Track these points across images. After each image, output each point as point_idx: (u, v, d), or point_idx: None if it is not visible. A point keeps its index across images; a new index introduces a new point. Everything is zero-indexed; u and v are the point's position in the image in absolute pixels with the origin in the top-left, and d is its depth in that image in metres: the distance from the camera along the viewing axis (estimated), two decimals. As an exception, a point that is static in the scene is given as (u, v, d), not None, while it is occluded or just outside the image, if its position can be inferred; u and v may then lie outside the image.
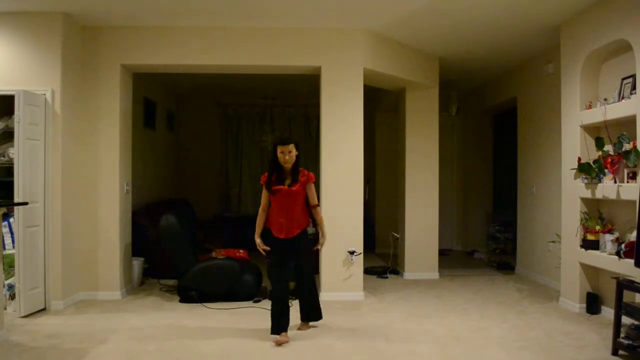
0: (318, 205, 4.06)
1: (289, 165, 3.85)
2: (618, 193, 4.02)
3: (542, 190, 5.93)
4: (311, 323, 4.14)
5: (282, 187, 3.83)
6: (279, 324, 3.79)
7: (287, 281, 4.09)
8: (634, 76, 3.98)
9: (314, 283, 4.14)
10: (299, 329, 4.05)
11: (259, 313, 4.58)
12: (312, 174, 3.95)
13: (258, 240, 3.94)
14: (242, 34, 5.09)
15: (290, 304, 4.83)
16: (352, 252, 5.15)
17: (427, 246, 6.22)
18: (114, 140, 5.06)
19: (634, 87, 3.98)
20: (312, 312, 4.11)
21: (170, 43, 5.06)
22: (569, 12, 4.57)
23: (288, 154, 3.80)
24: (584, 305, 4.53)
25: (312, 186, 3.95)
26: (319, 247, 4.13)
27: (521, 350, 3.59)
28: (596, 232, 4.33)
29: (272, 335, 3.78)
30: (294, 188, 3.83)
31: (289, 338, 3.76)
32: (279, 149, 3.80)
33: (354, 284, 5.18)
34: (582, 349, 3.60)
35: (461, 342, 3.78)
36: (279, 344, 3.67)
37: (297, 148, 3.87)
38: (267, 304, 4.87)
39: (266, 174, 3.93)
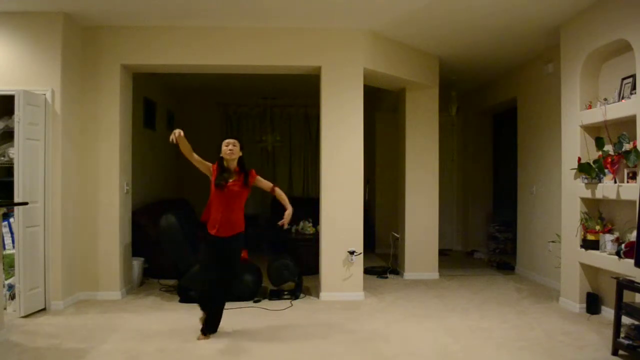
0: (274, 185, 4.05)
1: (232, 161, 3.80)
2: (618, 193, 4.02)
3: (542, 190, 5.93)
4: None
5: (230, 183, 3.78)
6: (213, 324, 3.89)
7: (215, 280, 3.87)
8: (634, 76, 3.98)
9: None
10: (199, 338, 3.81)
11: (259, 313, 4.59)
12: (252, 170, 3.93)
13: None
14: (242, 34, 5.09)
15: (291, 304, 4.87)
16: (352, 252, 5.15)
17: (427, 246, 6.22)
18: (114, 140, 5.05)
19: (634, 87, 3.98)
20: (218, 322, 3.96)
21: (170, 43, 5.06)
22: (569, 12, 4.57)
23: (232, 146, 3.77)
24: (584, 305, 4.53)
25: (259, 177, 3.95)
26: (284, 222, 3.97)
27: (521, 350, 3.59)
28: (596, 232, 4.33)
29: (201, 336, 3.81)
30: (236, 187, 3.80)
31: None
32: (224, 143, 3.81)
33: (354, 284, 5.18)
34: (582, 349, 3.60)
35: (461, 342, 3.78)
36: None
37: (241, 147, 3.86)
38: (267, 303, 4.88)
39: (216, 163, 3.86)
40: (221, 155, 3.82)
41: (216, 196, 3.82)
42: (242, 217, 3.91)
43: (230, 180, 3.79)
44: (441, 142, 6.36)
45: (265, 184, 4.00)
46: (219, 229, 3.78)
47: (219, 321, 3.95)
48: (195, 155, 3.80)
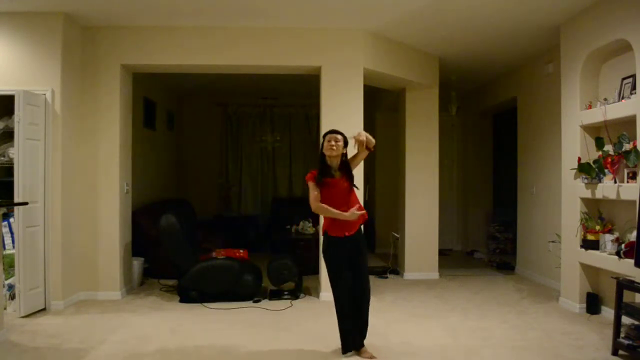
0: (358, 151, 3.53)
1: (334, 157, 3.43)
2: (618, 193, 4.02)
3: (542, 190, 5.93)
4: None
5: (332, 179, 3.43)
6: (352, 342, 3.47)
7: (350, 291, 3.48)
8: (634, 76, 3.98)
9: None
10: (363, 357, 3.47)
11: (259, 313, 4.59)
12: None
13: (353, 210, 3.38)
14: (242, 34, 5.09)
15: (290, 304, 4.86)
16: (352, 252, 5.13)
17: (427, 246, 6.22)
18: (114, 140, 5.06)
19: (634, 87, 3.98)
20: (365, 329, 3.56)
21: (170, 43, 5.06)
22: (569, 12, 4.57)
23: (335, 143, 3.41)
24: (584, 305, 4.53)
25: (351, 162, 3.54)
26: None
27: (521, 350, 3.59)
28: (596, 232, 4.33)
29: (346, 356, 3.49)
30: (343, 180, 3.44)
31: (370, 353, 3.47)
32: (327, 138, 3.44)
33: (354, 284, 5.16)
34: (582, 349, 3.60)
35: (461, 342, 3.78)
36: None
37: (345, 144, 3.48)
38: (267, 303, 4.88)
39: (315, 170, 3.49)
40: (322, 151, 3.46)
41: (324, 195, 3.43)
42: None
43: (336, 176, 3.45)
44: (441, 142, 6.36)
45: (360, 157, 3.55)
46: (349, 228, 3.45)
47: (362, 335, 3.53)
48: (317, 196, 3.44)
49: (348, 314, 3.47)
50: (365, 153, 3.49)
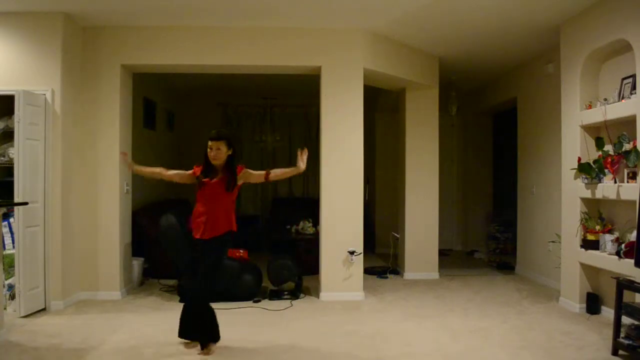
0: (267, 171, 3.61)
1: (216, 163, 3.53)
2: (618, 193, 4.02)
3: (542, 190, 5.93)
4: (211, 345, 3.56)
5: (209, 180, 3.51)
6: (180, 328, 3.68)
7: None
8: (634, 76, 3.98)
9: (209, 296, 3.63)
10: (199, 353, 3.51)
11: (259, 313, 4.59)
12: (240, 166, 3.62)
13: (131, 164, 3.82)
14: (242, 34, 5.09)
15: (290, 304, 4.86)
16: (352, 252, 5.15)
17: (427, 246, 6.22)
18: (114, 140, 5.05)
19: (634, 87, 3.98)
20: (203, 330, 3.58)
21: (170, 43, 5.06)
22: (569, 12, 4.57)
23: (216, 151, 3.50)
24: (584, 305, 4.53)
25: (248, 172, 3.61)
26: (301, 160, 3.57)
27: (521, 350, 3.59)
28: (596, 232, 4.33)
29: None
30: (217, 184, 3.51)
31: (194, 346, 3.59)
32: (209, 144, 3.53)
33: (354, 284, 5.18)
34: (582, 349, 3.60)
35: (461, 342, 3.78)
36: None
37: (229, 145, 3.55)
38: (267, 303, 4.88)
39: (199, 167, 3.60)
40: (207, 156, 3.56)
41: (198, 196, 3.56)
42: (226, 219, 3.58)
43: (215, 179, 3.52)
44: (441, 142, 6.36)
45: (256, 176, 3.61)
46: (202, 232, 3.51)
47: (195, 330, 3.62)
48: (167, 172, 3.72)
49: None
50: (260, 179, 3.60)
